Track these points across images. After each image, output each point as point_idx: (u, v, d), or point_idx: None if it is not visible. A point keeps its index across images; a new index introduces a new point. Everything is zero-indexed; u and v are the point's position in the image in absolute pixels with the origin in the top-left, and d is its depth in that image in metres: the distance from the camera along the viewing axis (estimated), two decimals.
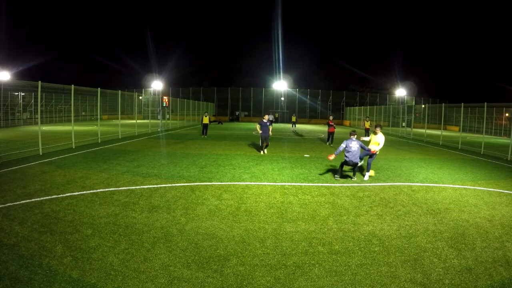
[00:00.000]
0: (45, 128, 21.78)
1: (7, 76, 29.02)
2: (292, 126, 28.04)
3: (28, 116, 29.96)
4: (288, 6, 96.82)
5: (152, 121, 28.25)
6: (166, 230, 4.62)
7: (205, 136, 18.77)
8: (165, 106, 28.51)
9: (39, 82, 11.05)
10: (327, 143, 16.53)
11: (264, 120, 12.37)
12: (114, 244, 4.12)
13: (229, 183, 7.53)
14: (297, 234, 4.65)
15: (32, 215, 4.98)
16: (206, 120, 19.11)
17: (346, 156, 8.11)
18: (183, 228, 4.73)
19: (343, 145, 8.13)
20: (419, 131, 28.57)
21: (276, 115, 46.62)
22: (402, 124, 31.92)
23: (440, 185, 8.08)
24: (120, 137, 17.13)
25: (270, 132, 12.51)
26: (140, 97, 44.94)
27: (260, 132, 12.42)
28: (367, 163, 8.75)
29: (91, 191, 6.44)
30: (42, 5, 71.43)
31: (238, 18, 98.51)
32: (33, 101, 30.15)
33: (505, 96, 44.73)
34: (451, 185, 8.05)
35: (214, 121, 41.61)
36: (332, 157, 8.16)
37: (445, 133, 22.20)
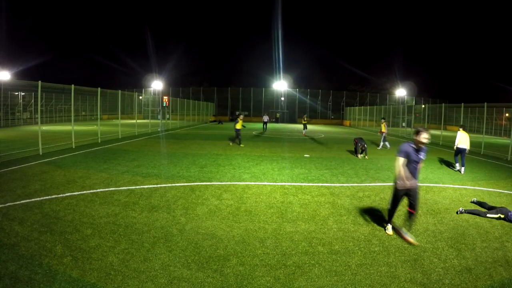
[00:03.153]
0: (45, 128, 21.78)
1: (7, 76, 29.03)
2: (304, 129, 23.50)
3: (28, 116, 29.97)
4: (288, 6, 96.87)
5: (152, 121, 28.26)
6: (166, 230, 4.62)
7: (243, 145, 14.85)
8: (165, 106, 28.52)
9: (39, 82, 11.05)
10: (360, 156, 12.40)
11: (411, 147, 4.47)
12: (114, 244, 4.12)
13: (229, 183, 7.53)
14: (297, 234, 4.64)
15: (32, 215, 4.98)
16: (239, 124, 14.94)
17: None
18: (183, 228, 4.73)
19: None
20: None
21: (277, 115, 46.36)
22: (402, 124, 31.92)
23: (440, 185, 8.08)
24: (120, 137, 17.13)
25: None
26: (140, 97, 44.92)
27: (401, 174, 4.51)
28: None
29: (91, 191, 6.44)
30: (42, 5, 71.43)
31: (238, 18, 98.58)
32: (33, 101, 30.15)
33: (505, 96, 44.76)
34: (451, 185, 8.05)
35: (214, 121, 41.67)
36: None
37: (445, 133, 22.18)
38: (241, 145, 14.88)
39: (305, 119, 24.30)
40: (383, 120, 16.15)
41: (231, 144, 15.22)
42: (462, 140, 10.08)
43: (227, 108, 50.65)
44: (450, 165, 11.28)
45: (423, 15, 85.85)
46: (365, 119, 37.99)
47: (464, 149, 9.90)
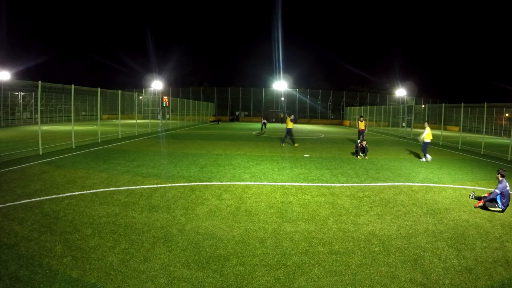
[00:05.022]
0: (45, 128, 21.77)
1: (7, 76, 29.02)
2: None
3: (28, 116, 29.97)
4: (288, 6, 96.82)
5: (152, 121, 28.25)
6: (166, 230, 4.62)
7: (297, 145, 15.31)
8: (165, 106, 28.51)
9: (39, 82, 11.05)
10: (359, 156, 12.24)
11: None
12: (114, 244, 4.12)
13: (229, 183, 7.53)
14: (297, 234, 4.65)
15: (32, 215, 4.98)
16: (291, 123, 15.30)
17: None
18: (183, 228, 4.73)
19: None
20: (419, 131, 28.57)
21: (282, 115, 45.81)
22: (402, 124, 31.92)
23: (440, 185, 8.08)
24: (120, 137, 17.13)
25: None
26: (140, 97, 44.94)
27: None
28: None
29: (91, 191, 6.44)
30: (42, 5, 71.37)
31: (239, 18, 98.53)
32: (33, 101, 30.15)
33: (505, 96, 44.83)
34: (451, 185, 8.05)
35: (213, 121, 41.67)
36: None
37: (445, 133, 22.18)
38: (296, 145, 15.31)
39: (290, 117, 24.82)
40: (361, 118, 16.34)
41: (296, 145, 15.27)
42: (430, 134, 12.14)
43: (227, 108, 50.64)
44: (451, 165, 11.29)
45: (423, 15, 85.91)
46: (365, 119, 37.94)
47: (428, 143, 12.18)
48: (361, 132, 15.96)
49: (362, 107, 42.45)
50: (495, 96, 47.20)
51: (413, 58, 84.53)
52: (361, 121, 16.17)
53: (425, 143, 12.12)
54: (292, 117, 15.85)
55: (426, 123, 12.54)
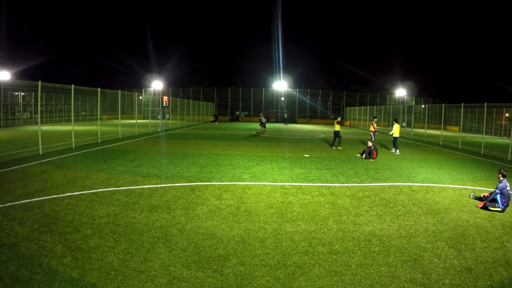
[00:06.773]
0: (45, 128, 21.77)
1: (7, 76, 29.02)
2: (260, 126, 24.74)
3: (28, 116, 29.97)
4: (288, 6, 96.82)
5: (152, 121, 28.26)
6: (166, 230, 4.62)
7: (340, 148, 14.97)
8: (165, 106, 28.51)
9: (39, 82, 11.04)
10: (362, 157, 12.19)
11: None
12: (114, 244, 4.12)
13: (229, 183, 7.53)
14: (297, 234, 4.64)
15: (32, 215, 4.98)
16: (338, 126, 14.87)
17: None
18: (183, 228, 4.73)
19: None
20: (419, 131, 28.56)
21: (285, 115, 45.23)
22: (402, 124, 31.92)
23: (440, 185, 8.08)
24: (120, 137, 17.13)
25: None
26: (140, 97, 44.94)
27: None
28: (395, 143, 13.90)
29: (91, 191, 6.44)
30: (42, 5, 71.36)
31: (238, 18, 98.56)
32: (33, 101, 30.14)
33: (505, 96, 44.79)
34: (451, 185, 8.05)
35: (213, 121, 41.66)
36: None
37: (445, 133, 22.19)
38: (339, 148, 14.99)
39: (261, 116, 25.63)
40: (375, 119, 15.99)
41: (340, 148, 14.99)
42: (397, 130, 13.88)
43: (227, 108, 50.65)
44: (451, 165, 11.29)
45: (423, 15, 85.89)
46: (365, 119, 37.97)
47: (397, 137, 13.93)
48: (372, 134, 15.30)
49: (362, 107, 42.43)
50: (495, 96, 47.24)
51: (413, 58, 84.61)
52: (375, 122, 15.70)
53: (394, 138, 13.89)
54: (340, 119, 15.24)
55: (394, 121, 14.22)
